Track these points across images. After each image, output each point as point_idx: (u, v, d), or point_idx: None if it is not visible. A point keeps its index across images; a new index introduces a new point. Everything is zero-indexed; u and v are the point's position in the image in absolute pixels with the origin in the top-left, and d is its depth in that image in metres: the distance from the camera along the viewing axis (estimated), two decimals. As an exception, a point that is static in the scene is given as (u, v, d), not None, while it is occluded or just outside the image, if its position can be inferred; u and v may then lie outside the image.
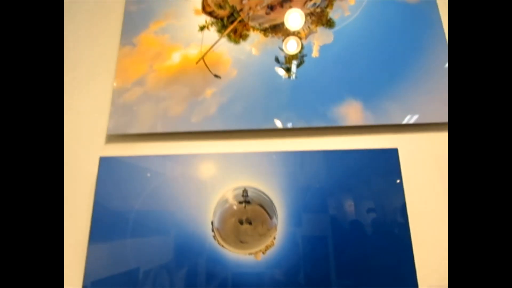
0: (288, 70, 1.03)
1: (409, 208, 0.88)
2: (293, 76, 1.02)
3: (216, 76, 1.04)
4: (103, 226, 0.89)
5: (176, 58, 1.07)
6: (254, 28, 1.09)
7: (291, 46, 1.05)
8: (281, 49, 1.05)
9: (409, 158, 0.94)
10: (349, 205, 0.88)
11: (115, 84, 1.05)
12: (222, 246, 0.87)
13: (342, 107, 0.98)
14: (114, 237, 0.88)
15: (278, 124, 0.97)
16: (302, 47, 1.05)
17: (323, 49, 1.04)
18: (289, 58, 1.04)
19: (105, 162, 0.95)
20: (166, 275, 0.85)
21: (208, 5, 1.12)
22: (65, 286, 0.88)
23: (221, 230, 0.87)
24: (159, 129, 0.99)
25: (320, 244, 0.85)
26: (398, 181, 0.89)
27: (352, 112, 0.98)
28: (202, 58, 1.06)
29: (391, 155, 0.92)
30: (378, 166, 0.91)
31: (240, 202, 0.89)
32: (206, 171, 0.93)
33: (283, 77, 1.02)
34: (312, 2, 1.11)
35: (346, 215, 0.87)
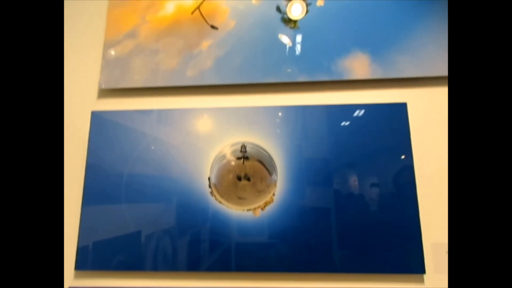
0: (290, 20, 0.95)
1: (416, 164, 0.84)
2: (296, 27, 0.95)
3: (212, 27, 0.97)
4: (97, 186, 0.87)
5: (170, 8, 0.99)
6: (253, -25, 1.00)
7: (294, -7, 0.97)
8: (283, -3, 0.97)
9: (418, 113, 0.88)
10: (353, 162, 0.84)
11: (105, 37, 0.98)
12: (220, 202, 0.84)
13: (348, 60, 0.92)
14: (109, 193, 0.86)
15: (279, 78, 0.91)
16: (306, -5, 0.97)
17: (328, -4, 0.96)
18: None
19: (97, 117, 0.91)
20: (167, 236, 0.83)
21: (204, -50, 1.03)
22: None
23: (219, 186, 0.84)
24: (153, 83, 0.94)
25: (322, 200, 0.82)
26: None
27: (358, 65, 0.91)
28: (198, 8, 0.98)
29: (400, 110, 0.87)
30: (385, 121, 0.86)
31: (238, 158, 0.85)
32: (203, 126, 0.89)
33: (285, 27, 0.95)
34: None
35: (349, 172, 0.83)
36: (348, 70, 0.91)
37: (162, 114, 0.90)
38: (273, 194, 0.83)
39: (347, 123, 0.86)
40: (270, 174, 0.84)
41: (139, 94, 0.95)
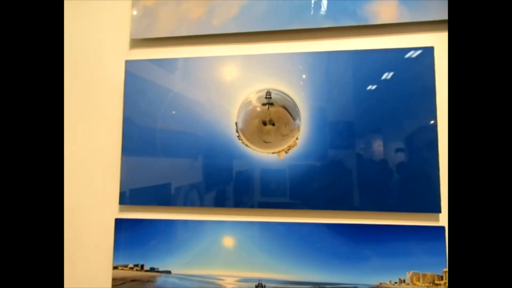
0: (316, -38, 0.93)
1: (439, 112, 0.84)
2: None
3: (237, -27, 0.96)
4: (134, 137, 0.94)
5: (194, -46, 0.99)
6: None
7: None
8: None
9: (446, 58, 0.87)
10: (376, 107, 0.86)
11: (133, -13, 1.00)
12: (247, 145, 0.90)
13: (374, 4, 0.90)
14: (146, 122, 0.94)
15: (304, 24, 0.91)
16: None
17: None
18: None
19: (131, 66, 0.96)
20: (194, 171, 0.91)
21: None
22: (104, 193, 0.97)
23: (245, 131, 0.90)
24: (180, 32, 0.97)
25: (343, 144, 0.86)
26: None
27: (385, 8, 0.89)
28: (222, -47, 0.97)
29: (426, 54, 0.86)
30: (410, 66, 0.86)
31: (264, 104, 0.89)
32: (229, 73, 0.93)
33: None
34: None
35: (373, 117, 0.86)
36: (375, 13, 0.89)
37: (189, 63, 0.94)
38: (297, 138, 0.88)
39: (373, 69, 0.87)
40: (294, 119, 0.88)
41: (168, 44, 0.99)
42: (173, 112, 0.94)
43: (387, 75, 0.86)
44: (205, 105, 0.92)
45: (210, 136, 0.91)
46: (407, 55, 0.86)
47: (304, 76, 0.89)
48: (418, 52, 0.86)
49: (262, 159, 0.89)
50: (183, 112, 0.93)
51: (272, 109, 0.89)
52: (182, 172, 0.92)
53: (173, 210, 0.93)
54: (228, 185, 0.90)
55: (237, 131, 0.90)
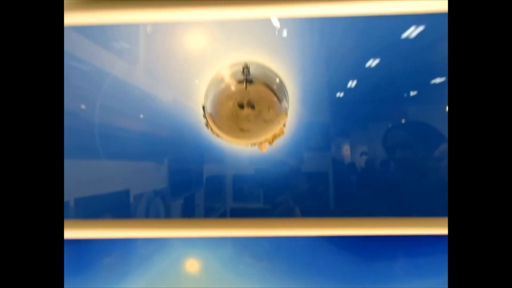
0: None
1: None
2: None
3: None
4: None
5: None
6: None
7: None
8: None
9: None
10: (380, 83, 0.67)
11: None
12: (217, 135, 0.68)
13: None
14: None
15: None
16: None
17: None
18: None
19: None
20: (153, 171, 0.68)
21: None
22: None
23: (216, 116, 0.68)
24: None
25: (345, 130, 0.66)
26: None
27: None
28: None
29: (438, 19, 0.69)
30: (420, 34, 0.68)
31: (240, 81, 0.68)
32: (195, 43, 0.71)
33: None
34: None
35: (379, 94, 0.67)
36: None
37: (142, 28, 0.72)
38: (284, 125, 0.67)
39: (375, 35, 0.69)
40: (280, 100, 0.67)
41: (114, 6, 0.76)
42: (120, 88, 0.71)
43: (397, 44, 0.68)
44: (162, 83, 0.70)
45: (170, 124, 0.69)
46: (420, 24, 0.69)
47: (292, 46, 0.69)
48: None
49: (239, 154, 0.68)
50: (133, 92, 0.70)
51: (251, 88, 0.68)
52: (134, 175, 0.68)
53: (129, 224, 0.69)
54: (193, 189, 0.68)
55: (204, 117, 0.68)
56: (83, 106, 0.71)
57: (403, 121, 0.68)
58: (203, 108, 0.68)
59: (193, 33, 0.71)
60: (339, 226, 0.65)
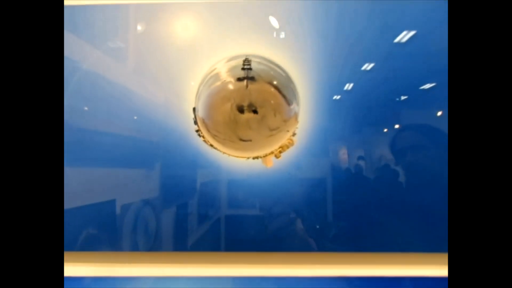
0: None
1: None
2: None
3: None
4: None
5: None
6: None
7: None
8: None
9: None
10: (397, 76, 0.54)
11: None
12: (211, 146, 0.55)
13: None
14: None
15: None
16: None
17: None
18: None
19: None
20: (142, 179, 0.55)
21: None
22: None
23: (209, 122, 0.55)
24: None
25: (373, 139, 0.54)
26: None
27: None
28: None
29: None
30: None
31: (240, 79, 0.55)
32: (183, 29, 0.57)
33: None
34: None
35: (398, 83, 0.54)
36: None
37: (120, 10, 0.58)
38: (294, 134, 0.55)
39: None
40: (289, 103, 0.54)
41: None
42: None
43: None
44: (144, 79, 0.57)
45: (153, 133, 0.56)
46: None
47: (303, 34, 0.56)
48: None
49: (237, 168, 0.55)
50: (107, 89, 0.57)
51: (253, 86, 0.54)
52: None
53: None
54: (181, 199, 0.55)
55: (195, 123, 0.55)
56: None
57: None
58: (194, 111, 0.55)
59: (180, 16, 0.57)
60: (370, 262, 0.53)
